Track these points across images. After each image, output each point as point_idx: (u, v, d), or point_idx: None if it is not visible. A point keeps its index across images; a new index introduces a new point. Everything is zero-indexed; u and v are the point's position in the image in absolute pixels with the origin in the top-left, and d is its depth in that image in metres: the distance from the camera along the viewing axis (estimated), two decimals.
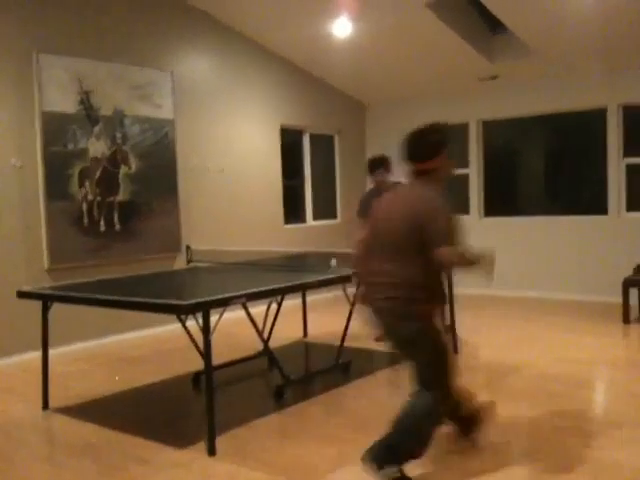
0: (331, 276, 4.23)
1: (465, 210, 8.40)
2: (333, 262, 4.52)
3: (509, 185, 8.61)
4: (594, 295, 7.27)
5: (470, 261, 2.81)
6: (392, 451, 2.87)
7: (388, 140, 8.99)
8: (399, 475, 2.85)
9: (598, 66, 7.12)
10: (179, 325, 4.33)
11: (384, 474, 2.83)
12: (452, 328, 5.31)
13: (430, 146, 2.93)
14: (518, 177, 8.69)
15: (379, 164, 5.64)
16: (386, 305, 2.88)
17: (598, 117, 7.37)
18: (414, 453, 2.90)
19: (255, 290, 3.64)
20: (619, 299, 6.27)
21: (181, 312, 3.36)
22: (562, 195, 8.19)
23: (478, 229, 8.17)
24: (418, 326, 2.85)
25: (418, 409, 2.90)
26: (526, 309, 7.16)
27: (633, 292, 6.35)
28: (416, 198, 2.89)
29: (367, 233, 3.08)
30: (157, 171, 6.44)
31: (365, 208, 5.86)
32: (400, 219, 2.86)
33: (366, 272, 3.05)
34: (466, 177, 8.33)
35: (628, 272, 6.68)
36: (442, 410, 2.96)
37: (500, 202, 8.43)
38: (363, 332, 5.92)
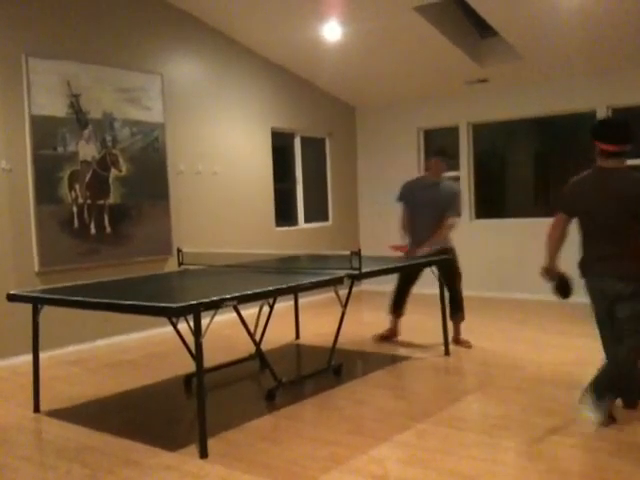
0: (323, 278, 4.23)
1: None
2: None
3: (499, 187, 8.65)
4: (586, 297, 7.31)
5: None
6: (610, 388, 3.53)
7: (379, 143, 9.04)
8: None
9: (587, 68, 7.18)
10: (171, 328, 4.34)
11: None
12: (444, 329, 5.32)
13: (629, 132, 3.62)
14: (508, 179, 8.73)
15: (443, 152, 5.73)
16: (615, 273, 3.76)
17: (587, 119, 7.41)
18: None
19: (246, 292, 3.63)
20: None
21: (172, 314, 3.36)
22: (552, 197, 8.22)
23: (469, 231, 8.21)
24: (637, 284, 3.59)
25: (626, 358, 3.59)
26: (517, 311, 7.19)
27: None
28: (628, 181, 3.52)
29: (579, 222, 3.95)
30: (148, 174, 6.43)
31: (407, 194, 5.76)
32: (615, 201, 3.53)
33: (593, 253, 3.96)
34: (456, 180, 8.35)
35: None
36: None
37: (490, 204, 8.46)
38: (358, 334, 5.91)
